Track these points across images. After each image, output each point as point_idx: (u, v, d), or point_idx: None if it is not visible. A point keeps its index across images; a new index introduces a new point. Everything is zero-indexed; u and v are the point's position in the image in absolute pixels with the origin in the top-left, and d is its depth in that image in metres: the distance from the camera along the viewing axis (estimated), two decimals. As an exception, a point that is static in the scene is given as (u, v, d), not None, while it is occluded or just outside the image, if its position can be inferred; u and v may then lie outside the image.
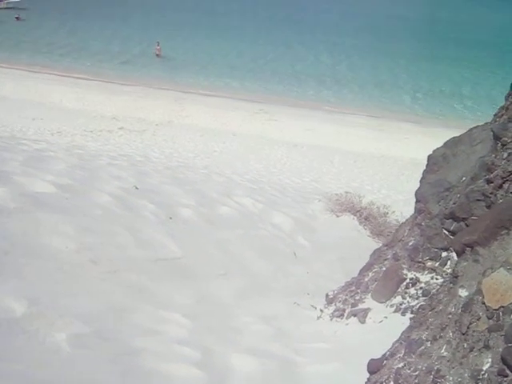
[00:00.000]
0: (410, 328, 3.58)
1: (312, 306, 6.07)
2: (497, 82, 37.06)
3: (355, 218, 10.60)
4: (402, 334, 3.60)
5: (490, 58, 48.39)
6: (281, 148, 21.90)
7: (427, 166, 5.81)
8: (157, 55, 39.21)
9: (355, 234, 10.17)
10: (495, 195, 4.30)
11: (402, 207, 14.72)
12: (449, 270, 4.61)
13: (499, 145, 4.56)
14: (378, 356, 3.51)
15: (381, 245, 9.65)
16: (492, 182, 4.37)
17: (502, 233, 3.23)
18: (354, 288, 5.33)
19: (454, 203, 4.77)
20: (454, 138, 5.68)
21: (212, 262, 6.67)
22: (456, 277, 3.27)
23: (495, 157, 4.49)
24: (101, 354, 3.75)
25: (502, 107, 5.28)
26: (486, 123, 5.62)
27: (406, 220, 5.68)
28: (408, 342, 3.29)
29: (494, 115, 5.68)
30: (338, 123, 26.56)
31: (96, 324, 4.18)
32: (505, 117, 4.71)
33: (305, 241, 9.01)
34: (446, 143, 5.70)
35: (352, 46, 49.66)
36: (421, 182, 5.73)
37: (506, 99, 5.40)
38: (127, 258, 5.88)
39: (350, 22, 64.19)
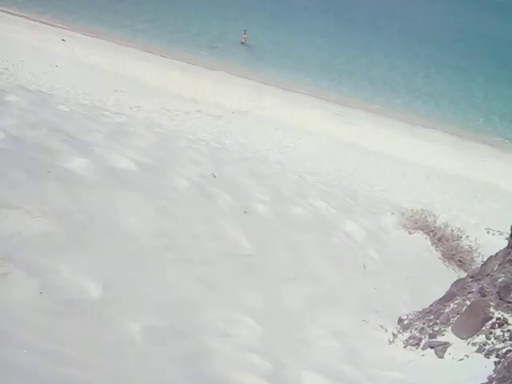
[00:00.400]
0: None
1: (381, 326, 5.83)
2: None
3: (428, 237, 10.26)
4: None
5: None
6: (354, 153, 21.55)
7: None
8: (242, 43, 39.18)
9: (426, 254, 9.85)
10: None
11: (473, 231, 14.29)
12: (544, 317, 4.32)
13: None
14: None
15: (464, 275, 9.34)
16: None
17: None
18: (432, 317, 5.06)
19: None
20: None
21: (283, 264, 6.52)
22: None
23: None
24: (172, 352, 3.63)
25: None
26: None
27: (497, 254, 5.35)
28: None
29: None
30: (413, 135, 25.93)
31: (170, 317, 4.07)
32: None
33: (375, 254, 8.75)
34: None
35: (431, 58, 48.42)
36: (519, 216, 5.39)
37: None
38: (201, 249, 5.79)
39: (433, 34, 62.62)
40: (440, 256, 9.95)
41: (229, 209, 7.15)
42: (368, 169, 20.22)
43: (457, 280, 5.78)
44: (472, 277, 5.29)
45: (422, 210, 11.37)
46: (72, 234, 4.71)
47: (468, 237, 11.12)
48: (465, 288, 5.13)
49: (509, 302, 4.52)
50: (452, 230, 10.88)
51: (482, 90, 40.17)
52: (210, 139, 15.47)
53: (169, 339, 3.78)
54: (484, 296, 4.78)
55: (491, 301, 4.65)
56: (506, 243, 14.01)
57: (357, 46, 47.63)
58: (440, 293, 8.50)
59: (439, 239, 10.22)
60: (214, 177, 8.21)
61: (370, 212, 11.32)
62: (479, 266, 5.69)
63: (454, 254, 10.06)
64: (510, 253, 5.02)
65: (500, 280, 4.81)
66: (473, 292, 5.00)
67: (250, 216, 7.32)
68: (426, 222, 10.65)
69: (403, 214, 11.29)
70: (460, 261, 10.04)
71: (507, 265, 4.95)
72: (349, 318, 5.89)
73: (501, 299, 4.58)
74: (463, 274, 9.77)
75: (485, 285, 4.91)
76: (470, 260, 10.30)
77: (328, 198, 10.38)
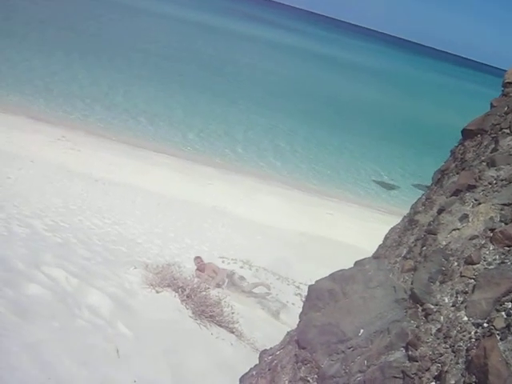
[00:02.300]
0: None
1: None
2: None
3: (177, 294, 9.61)
4: None
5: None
6: (81, 182, 20.10)
7: (308, 298, 5.05)
8: None
9: (177, 315, 9.19)
10: (420, 378, 3.63)
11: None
12: None
13: (420, 311, 3.93)
14: None
15: (217, 329, 8.86)
16: (416, 361, 3.70)
17: None
18: None
19: (361, 371, 4.03)
20: (342, 271, 4.99)
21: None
22: None
23: (418, 327, 3.84)
24: None
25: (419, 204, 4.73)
26: (377, 257, 5.02)
27: (280, 362, 4.81)
28: None
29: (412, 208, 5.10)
30: (139, 160, 25.37)
31: None
32: (422, 273, 4.10)
33: (126, 329, 7.78)
34: (332, 276, 4.98)
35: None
36: (302, 318, 4.95)
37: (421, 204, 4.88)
38: None
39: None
40: (191, 314, 9.37)
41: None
42: (97, 199, 19.01)
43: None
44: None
45: (167, 264, 10.68)
46: None
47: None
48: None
49: None
50: (198, 281, 10.42)
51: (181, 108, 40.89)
52: None
53: None
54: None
55: None
56: (246, 272, 14.10)
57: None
58: (200, 362, 7.93)
59: (188, 296, 9.65)
60: None
61: (111, 266, 10.27)
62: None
63: (203, 310, 9.58)
64: (300, 368, 4.52)
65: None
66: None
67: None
68: (173, 277, 9.99)
69: (147, 267, 10.51)
70: (211, 315, 9.63)
71: (300, 383, 4.44)
72: None
73: None
74: (215, 330, 9.38)
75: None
76: (220, 312, 9.97)
77: (65, 261, 9.05)
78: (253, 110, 46.58)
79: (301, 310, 13.29)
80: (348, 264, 5.24)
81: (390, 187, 35.47)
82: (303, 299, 13.75)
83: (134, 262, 11.26)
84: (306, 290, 14.41)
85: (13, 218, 11.38)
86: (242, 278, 13.22)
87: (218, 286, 12.17)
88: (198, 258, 13.08)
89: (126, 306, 8.54)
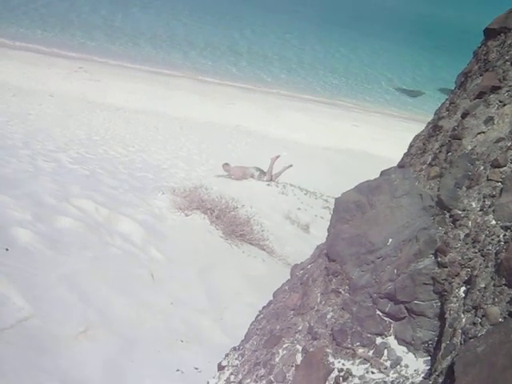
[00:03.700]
0: None
1: (196, 369, 5.11)
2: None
3: (206, 216, 9.71)
4: None
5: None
6: (103, 112, 20.08)
7: (336, 211, 5.00)
8: None
9: (208, 236, 9.31)
10: (450, 283, 3.63)
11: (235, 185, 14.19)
12: (387, 363, 3.92)
13: (448, 217, 3.90)
14: None
15: (248, 247, 8.98)
16: (445, 267, 3.69)
17: None
18: (263, 372, 4.42)
19: (391, 280, 4.04)
20: (367, 182, 4.91)
21: (66, 315, 5.35)
22: None
23: (446, 234, 3.81)
24: None
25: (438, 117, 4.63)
26: (402, 166, 4.94)
27: (311, 276, 4.85)
28: None
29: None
30: (159, 85, 25.12)
31: None
32: (448, 179, 4.02)
33: (158, 253, 7.93)
34: (358, 188, 4.91)
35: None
36: (330, 232, 4.93)
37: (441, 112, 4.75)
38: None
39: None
40: (221, 234, 9.50)
41: (-16, 251, 5.67)
42: (119, 128, 19.04)
43: (269, 310, 5.19)
44: (293, 309, 4.75)
45: (194, 187, 10.73)
46: None
47: (244, 206, 10.91)
48: (290, 328, 4.57)
49: (347, 348, 4.06)
50: (227, 202, 10.48)
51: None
52: None
53: None
54: (316, 339, 4.27)
55: (327, 347, 4.15)
56: (272, 189, 14.23)
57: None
58: (234, 280, 8.09)
59: (217, 217, 9.74)
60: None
61: (139, 194, 10.37)
62: (292, 286, 5.18)
63: (233, 229, 9.69)
64: (331, 280, 4.55)
65: (329, 316, 4.33)
66: (300, 332, 4.47)
67: (13, 253, 5.92)
68: (201, 199, 10.06)
69: (174, 191, 10.58)
70: (241, 234, 9.75)
71: (332, 295, 4.48)
72: (158, 367, 5.04)
73: (338, 345, 4.10)
74: (246, 248, 9.51)
75: (313, 323, 4.39)
76: (250, 230, 10.09)
77: (93, 192, 9.15)
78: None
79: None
80: (375, 175, 5.18)
81: (414, 94, 34.72)
82: (331, 212, 13.86)
83: (161, 187, 11.33)
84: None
85: (38, 154, 11.47)
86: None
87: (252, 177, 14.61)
88: (225, 165, 14.70)
89: (156, 231, 8.67)
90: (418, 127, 5.76)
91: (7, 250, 5.89)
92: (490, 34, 4.45)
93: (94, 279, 6.22)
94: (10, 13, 33.44)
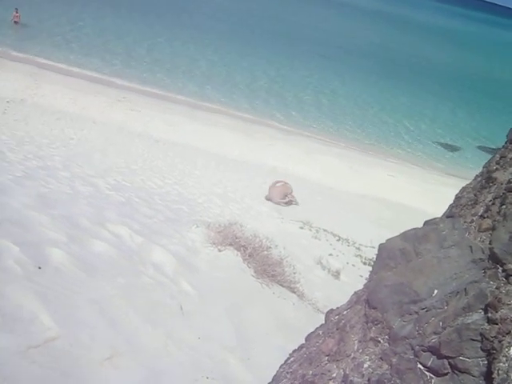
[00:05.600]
0: None
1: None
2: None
3: (239, 253, 9.60)
4: None
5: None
6: (142, 142, 20.31)
7: (379, 258, 4.86)
8: (15, 22, 34.90)
9: (239, 273, 9.18)
10: (500, 341, 3.44)
11: (269, 226, 14.13)
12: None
13: (500, 271, 3.73)
14: None
15: (278, 289, 8.83)
16: (496, 324, 3.50)
17: None
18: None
19: (436, 332, 3.86)
20: (414, 229, 4.77)
21: (94, 339, 5.25)
22: None
23: (498, 289, 3.63)
24: None
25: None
26: (450, 216, 4.79)
27: (349, 322, 4.69)
28: None
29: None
30: (199, 120, 25.39)
31: None
32: (502, 232, 3.88)
33: (189, 286, 7.82)
34: (404, 235, 4.77)
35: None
36: (372, 278, 4.78)
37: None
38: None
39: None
40: (253, 273, 9.36)
41: (18, 267, 5.63)
42: (157, 159, 19.19)
43: (299, 351, 5.03)
44: (328, 355, 4.58)
45: (229, 223, 10.67)
46: None
47: (277, 246, 10.79)
48: (323, 374, 4.40)
49: (385, 401, 3.87)
50: (261, 241, 10.37)
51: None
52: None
53: None
54: (351, 389, 4.09)
55: (363, 398, 3.97)
56: (306, 233, 14.13)
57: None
58: (263, 321, 7.92)
59: (250, 255, 9.62)
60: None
61: (174, 225, 10.34)
62: (328, 332, 5.02)
63: (265, 269, 9.55)
64: (371, 328, 4.38)
65: (366, 365, 4.15)
66: (334, 379, 4.29)
67: (46, 272, 5.88)
68: (235, 235, 9.97)
69: (208, 226, 10.53)
70: (273, 275, 9.60)
71: (371, 344, 4.30)
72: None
73: (375, 397, 3.91)
74: (277, 289, 9.34)
75: (348, 371, 4.22)
76: (282, 271, 9.93)
77: (128, 219, 9.14)
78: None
79: (360, 270, 13.12)
80: (410, 226, 5.03)
81: (451, 148, 34.48)
82: (364, 260, 13.65)
83: (196, 221, 11.29)
84: (366, 251, 14.22)
85: (77, 177, 11.57)
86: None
87: None
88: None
89: (188, 263, 8.58)
90: (454, 182, 5.65)
91: (40, 268, 5.85)
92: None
93: (124, 306, 6.13)
94: (65, 43, 34.29)
